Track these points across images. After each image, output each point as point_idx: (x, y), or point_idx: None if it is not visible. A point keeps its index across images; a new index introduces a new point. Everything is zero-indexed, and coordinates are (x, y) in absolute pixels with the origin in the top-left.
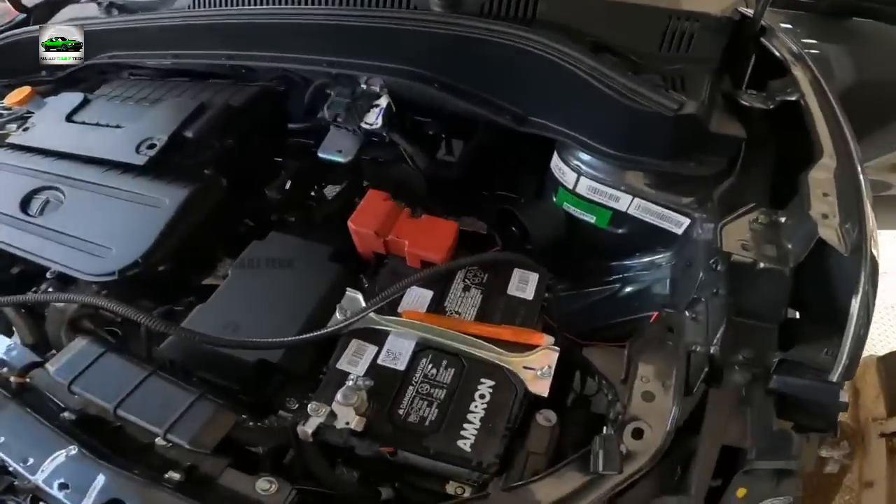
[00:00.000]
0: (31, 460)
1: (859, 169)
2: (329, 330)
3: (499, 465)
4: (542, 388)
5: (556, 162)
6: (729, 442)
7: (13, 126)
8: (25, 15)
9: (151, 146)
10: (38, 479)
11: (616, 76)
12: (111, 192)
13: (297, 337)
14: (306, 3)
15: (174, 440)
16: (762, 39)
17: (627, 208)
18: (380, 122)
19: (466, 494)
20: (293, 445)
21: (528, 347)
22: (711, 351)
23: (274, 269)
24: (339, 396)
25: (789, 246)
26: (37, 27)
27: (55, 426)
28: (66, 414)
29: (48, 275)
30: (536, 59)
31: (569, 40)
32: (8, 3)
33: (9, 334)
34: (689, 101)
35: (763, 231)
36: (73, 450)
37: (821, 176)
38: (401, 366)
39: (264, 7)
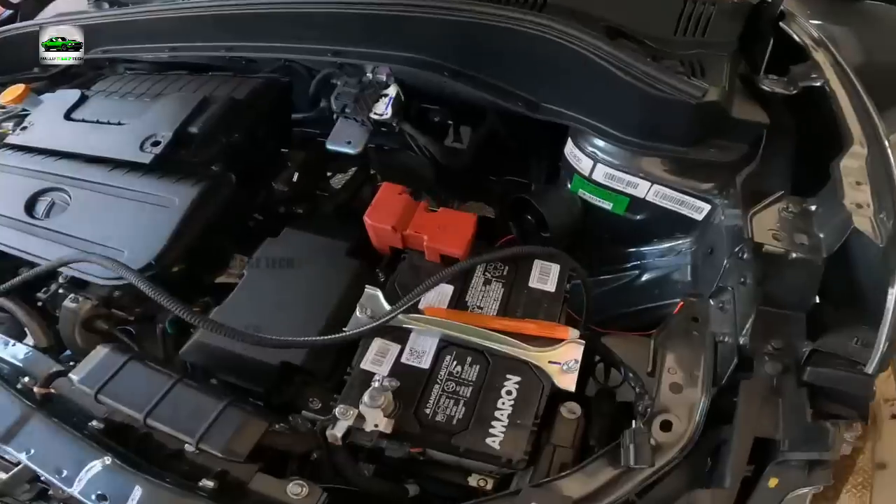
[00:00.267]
0: (65, 472)
1: (892, 157)
2: (357, 331)
3: (527, 462)
4: (568, 382)
5: (570, 149)
6: (762, 434)
7: (9, 125)
8: (12, 11)
9: (156, 143)
10: (75, 490)
11: (635, 63)
12: (118, 192)
13: (324, 337)
14: None
15: (207, 449)
16: (781, 24)
17: (646, 195)
18: (389, 112)
19: (489, 486)
20: (323, 449)
21: (553, 341)
22: (740, 341)
23: (290, 267)
24: (366, 398)
25: (821, 235)
26: (26, 23)
27: (85, 436)
28: (94, 423)
29: (60, 279)
30: (550, 44)
31: (582, 26)
32: None
33: (20, 337)
34: (711, 87)
35: (794, 220)
36: (108, 460)
37: (853, 164)
38: (425, 364)
39: None
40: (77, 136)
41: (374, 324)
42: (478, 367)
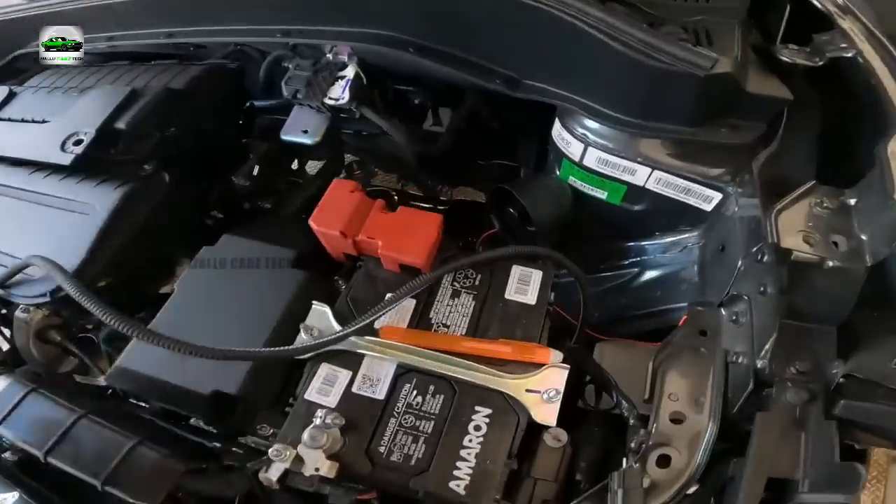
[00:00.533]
0: None
1: None
2: (288, 349)
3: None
4: (548, 414)
5: (558, 131)
6: (778, 474)
7: None
8: None
9: (78, 142)
10: None
11: (630, 29)
12: (36, 199)
13: (250, 351)
14: None
15: (114, 492)
16: None
17: (645, 182)
18: (346, 95)
19: None
20: (258, 494)
21: (532, 366)
22: (758, 364)
23: (227, 280)
24: (305, 437)
25: (863, 237)
26: None
27: None
28: (7, 455)
29: None
30: (530, 11)
31: None
32: None
33: None
34: (721, 57)
35: (829, 218)
36: (16, 496)
37: None
38: (380, 394)
39: None
40: None
41: (313, 347)
42: (442, 397)
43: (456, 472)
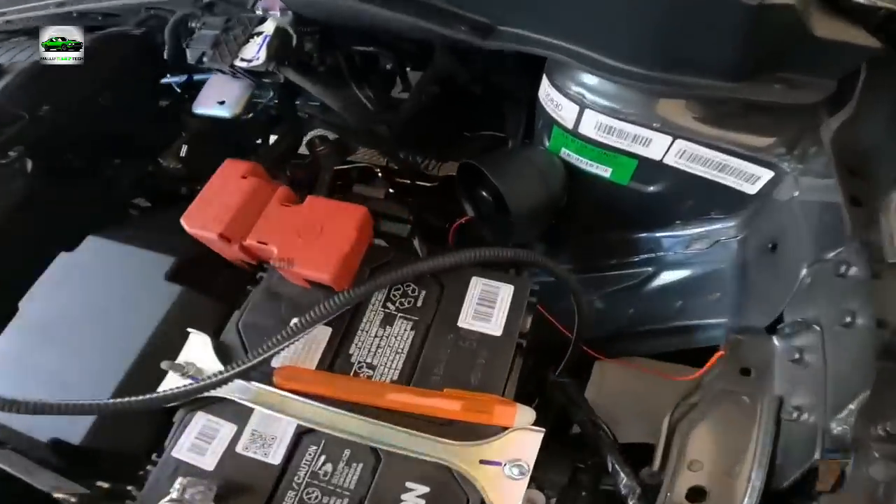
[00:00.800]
0: None
1: None
2: (138, 400)
3: None
4: (511, 497)
5: (546, 91)
6: None
7: None
8: None
9: None
10: None
11: None
12: None
13: (82, 403)
14: None
15: None
16: None
17: (663, 156)
18: (262, 56)
19: None
20: None
21: (492, 427)
22: (834, 427)
23: (85, 295)
24: None
25: None
26: None
27: None
28: None
29: None
30: None
31: None
32: None
33: None
34: None
35: None
36: None
37: None
38: (274, 457)
39: None
40: None
41: (174, 402)
42: (360, 467)
43: None
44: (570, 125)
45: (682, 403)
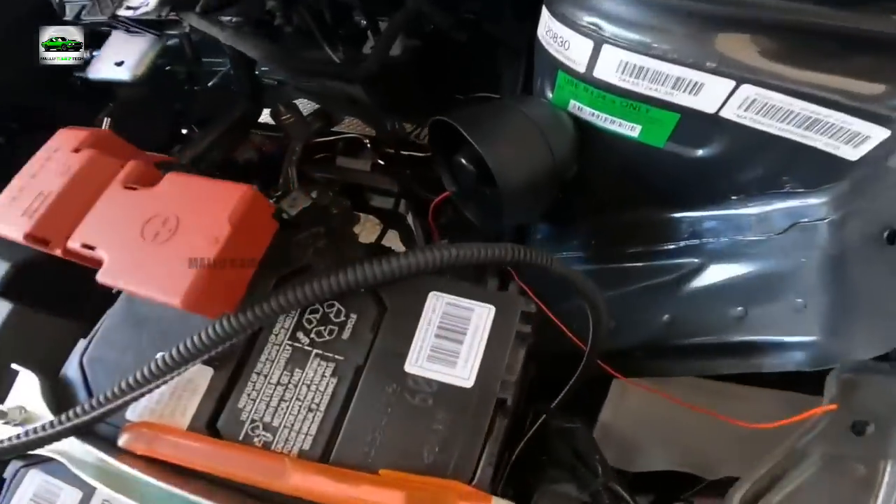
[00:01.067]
0: None
1: None
2: None
3: None
4: None
5: (546, 26)
6: None
7: None
8: None
9: None
10: None
11: None
12: None
13: None
14: None
15: None
16: None
17: (721, 107)
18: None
19: None
20: None
21: None
22: None
23: None
24: None
25: None
26: None
27: None
28: None
29: None
30: None
31: None
32: None
33: None
34: None
35: None
36: None
37: None
38: None
39: None
40: None
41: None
42: None
43: None
44: (581, 68)
45: (758, 474)
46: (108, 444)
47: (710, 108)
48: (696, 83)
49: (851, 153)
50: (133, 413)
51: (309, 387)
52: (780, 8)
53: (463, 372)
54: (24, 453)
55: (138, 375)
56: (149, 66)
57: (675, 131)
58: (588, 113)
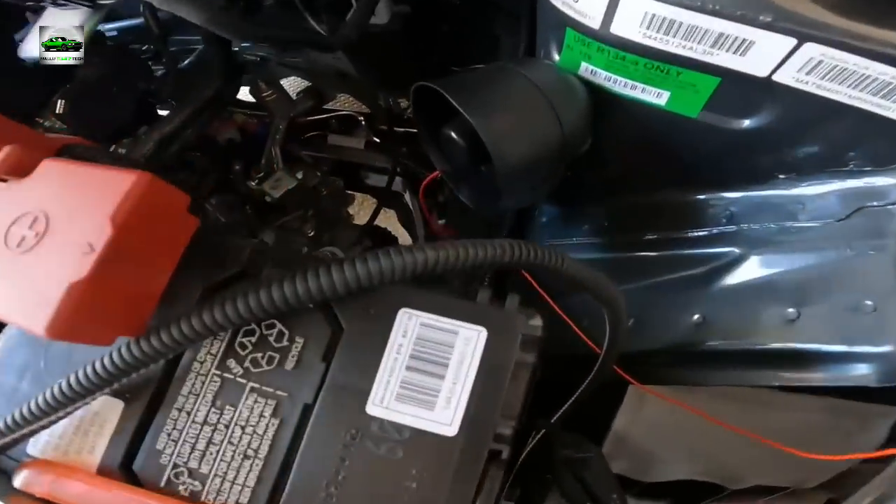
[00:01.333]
0: None
1: None
2: None
3: None
4: None
5: None
6: None
7: None
8: None
9: None
10: None
11: None
12: None
13: None
14: None
15: None
16: None
17: (775, 70)
18: None
19: None
20: None
21: None
22: None
23: None
24: None
25: None
26: None
27: None
28: None
29: None
30: None
31: None
32: None
33: None
34: None
35: None
36: None
37: None
38: None
39: None
40: None
41: None
42: None
43: None
44: (595, 24)
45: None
46: (4, 480)
47: (760, 72)
48: (743, 41)
49: None
50: (34, 448)
51: (244, 429)
52: None
53: (444, 416)
54: None
55: (32, 406)
56: (87, 38)
57: (712, 98)
58: (604, 77)
